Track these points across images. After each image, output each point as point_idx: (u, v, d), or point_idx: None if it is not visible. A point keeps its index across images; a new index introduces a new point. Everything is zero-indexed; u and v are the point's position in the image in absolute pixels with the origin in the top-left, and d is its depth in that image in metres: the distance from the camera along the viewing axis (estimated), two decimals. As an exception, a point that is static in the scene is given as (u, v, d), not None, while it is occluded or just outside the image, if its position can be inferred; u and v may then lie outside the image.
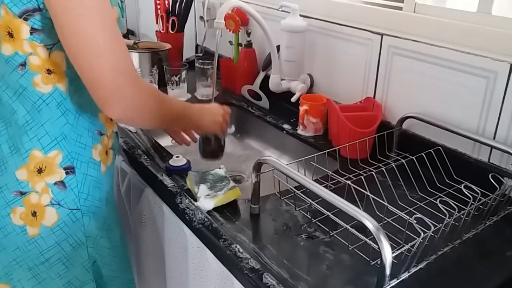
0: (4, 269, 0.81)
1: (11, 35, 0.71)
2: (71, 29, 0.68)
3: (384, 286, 0.62)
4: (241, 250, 0.74)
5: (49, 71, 0.75)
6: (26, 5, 0.69)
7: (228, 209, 0.85)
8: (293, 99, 1.27)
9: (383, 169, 0.87)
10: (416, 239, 0.66)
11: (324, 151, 0.95)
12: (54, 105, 0.77)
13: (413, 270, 0.67)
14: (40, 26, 0.71)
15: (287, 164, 0.76)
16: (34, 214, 0.78)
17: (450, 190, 0.87)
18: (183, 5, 1.63)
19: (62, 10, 0.67)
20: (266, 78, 1.37)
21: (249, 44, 1.45)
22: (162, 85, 1.44)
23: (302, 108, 1.17)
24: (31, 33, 0.71)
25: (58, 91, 0.76)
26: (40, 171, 0.77)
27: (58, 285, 0.83)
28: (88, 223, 0.83)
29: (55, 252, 0.80)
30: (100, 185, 0.84)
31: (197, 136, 1.07)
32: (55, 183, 0.78)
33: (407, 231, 0.72)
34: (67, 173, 0.79)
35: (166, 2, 1.64)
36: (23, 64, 0.73)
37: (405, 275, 0.66)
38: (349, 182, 0.80)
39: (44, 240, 0.79)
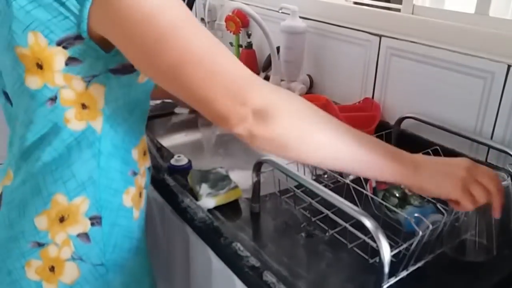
0: None
1: (40, 66, 0.61)
2: (155, 53, 0.55)
3: (383, 284, 0.63)
4: (241, 248, 0.74)
5: (84, 106, 0.64)
6: (66, 32, 0.59)
7: (229, 208, 0.86)
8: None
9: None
10: (414, 238, 0.66)
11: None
12: (85, 144, 0.66)
13: (411, 268, 0.68)
14: (80, 56, 0.61)
15: (286, 164, 0.77)
16: (52, 269, 0.68)
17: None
18: (183, 6, 1.64)
19: (137, 33, 0.55)
20: (266, 79, 1.38)
21: (249, 45, 1.46)
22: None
23: (302, 109, 1.18)
24: (66, 64, 0.61)
25: (91, 129, 0.66)
26: (62, 219, 0.67)
27: None
28: (113, 280, 0.72)
29: None
30: (130, 234, 0.74)
31: None
32: (78, 235, 0.68)
33: (405, 230, 0.73)
34: (92, 224, 0.68)
35: (167, 3, 1.65)
36: (53, 99, 0.63)
37: (403, 274, 0.67)
38: (348, 181, 0.81)
39: None
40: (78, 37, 0.59)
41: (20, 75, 0.62)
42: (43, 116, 0.64)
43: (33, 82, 0.62)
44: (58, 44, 0.60)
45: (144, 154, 0.77)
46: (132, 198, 0.73)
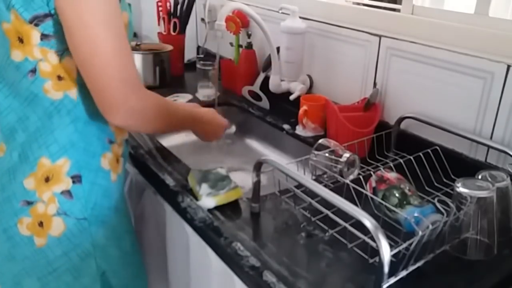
0: (14, 278, 0.81)
1: (21, 40, 0.70)
2: (80, 38, 0.67)
3: (383, 284, 0.63)
4: (241, 248, 0.75)
5: (59, 78, 0.74)
6: (37, 10, 0.68)
7: (229, 208, 0.86)
8: (292, 97, 1.29)
9: (381, 168, 0.88)
10: (414, 237, 0.67)
11: (323, 151, 0.96)
12: (64, 112, 0.76)
13: (411, 268, 0.68)
14: (51, 32, 0.70)
15: (286, 164, 0.77)
16: (40, 224, 0.77)
17: (447, 190, 0.88)
18: (184, 7, 1.64)
19: (75, 19, 0.67)
20: (266, 79, 1.38)
21: (249, 46, 1.46)
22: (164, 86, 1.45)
23: (302, 109, 1.19)
24: (41, 39, 0.70)
25: (68, 98, 0.75)
26: (47, 179, 0.76)
27: None
28: (95, 233, 0.81)
29: (63, 262, 0.80)
30: (109, 194, 0.83)
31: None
32: (62, 192, 0.77)
33: (405, 230, 0.73)
34: (73, 182, 0.78)
35: (168, 4, 1.65)
36: (33, 71, 0.72)
37: (403, 273, 0.67)
38: (347, 181, 0.82)
39: (52, 250, 0.78)
40: (48, 15, 0.68)
41: (7, 49, 0.71)
42: (26, 87, 0.73)
43: (16, 55, 0.71)
44: (30, 22, 0.69)
45: None
46: (109, 162, 0.83)
